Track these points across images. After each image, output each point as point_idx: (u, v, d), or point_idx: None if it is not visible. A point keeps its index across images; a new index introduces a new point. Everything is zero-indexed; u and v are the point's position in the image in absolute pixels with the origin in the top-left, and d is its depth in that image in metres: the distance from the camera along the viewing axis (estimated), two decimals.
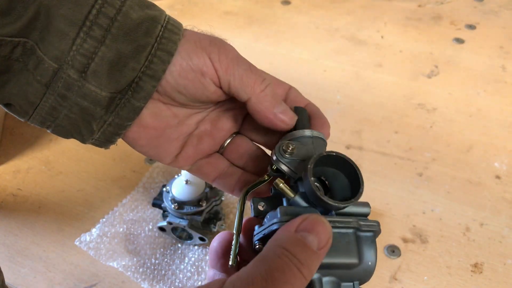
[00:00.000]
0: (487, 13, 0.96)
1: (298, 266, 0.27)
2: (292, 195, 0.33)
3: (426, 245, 0.55)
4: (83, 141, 0.36)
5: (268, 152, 0.39)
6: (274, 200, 0.36)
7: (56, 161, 0.69)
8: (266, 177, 0.37)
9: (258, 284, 0.26)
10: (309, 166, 0.31)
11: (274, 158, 0.34)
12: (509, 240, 0.55)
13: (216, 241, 0.34)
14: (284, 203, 0.34)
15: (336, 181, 0.34)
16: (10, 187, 0.65)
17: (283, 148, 0.34)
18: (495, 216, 0.58)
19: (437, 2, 0.99)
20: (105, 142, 0.36)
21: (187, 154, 0.39)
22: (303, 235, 0.28)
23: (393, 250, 0.55)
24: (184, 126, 0.38)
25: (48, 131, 0.35)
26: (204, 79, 0.34)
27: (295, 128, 0.36)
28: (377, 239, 0.35)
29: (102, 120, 0.34)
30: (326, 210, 0.32)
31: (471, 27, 0.92)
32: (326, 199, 0.30)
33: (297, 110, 0.37)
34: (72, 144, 0.71)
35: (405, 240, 0.56)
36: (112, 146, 0.37)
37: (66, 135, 0.35)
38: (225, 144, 0.40)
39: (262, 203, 0.35)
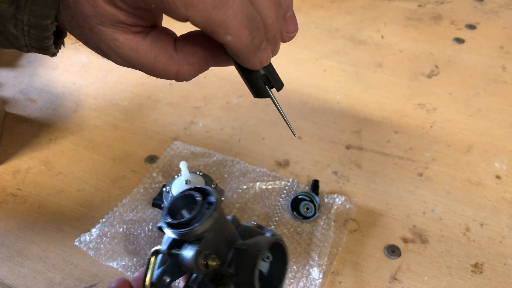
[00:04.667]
0: (487, 13, 0.96)
1: None
2: None
3: (426, 245, 0.55)
4: (20, 48, 0.32)
5: None
6: (177, 269, 0.34)
7: (56, 161, 0.69)
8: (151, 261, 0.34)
9: None
10: (254, 276, 0.31)
11: (193, 277, 0.33)
12: (509, 240, 0.55)
13: None
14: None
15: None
16: (10, 187, 0.65)
17: (203, 264, 0.31)
18: (495, 216, 0.58)
19: (437, 2, 0.99)
20: (42, 49, 0.32)
21: None
22: None
23: (393, 250, 0.55)
24: None
25: None
26: None
27: None
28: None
29: (18, 20, 0.30)
30: None
31: (471, 27, 0.92)
32: None
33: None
34: (72, 144, 0.71)
35: (405, 240, 0.56)
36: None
37: None
38: None
39: (168, 278, 0.34)
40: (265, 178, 0.64)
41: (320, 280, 0.52)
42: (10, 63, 0.90)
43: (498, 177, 0.63)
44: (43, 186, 0.65)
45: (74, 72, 0.87)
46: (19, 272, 0.55)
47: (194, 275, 0.34)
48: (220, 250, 0.33)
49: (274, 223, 0.58)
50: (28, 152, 0.70)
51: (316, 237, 0.56)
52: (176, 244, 0.33)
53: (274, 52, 0.33)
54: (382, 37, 0.90)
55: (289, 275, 0.53)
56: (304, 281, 0.52)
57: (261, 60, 0.31)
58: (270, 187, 0.62)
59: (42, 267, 0.55)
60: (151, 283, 0.33)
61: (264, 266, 0.35)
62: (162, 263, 0.34)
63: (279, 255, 0.35)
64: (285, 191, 0.62)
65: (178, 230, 0.31)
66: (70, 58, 0.90)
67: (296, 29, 0.34)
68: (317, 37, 0.90)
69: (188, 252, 0.31)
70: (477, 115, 0.72)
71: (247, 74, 0.33)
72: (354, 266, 0.53)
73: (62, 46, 0.34)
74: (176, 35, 0.33)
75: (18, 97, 0.81)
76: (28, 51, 0.33)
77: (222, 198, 0.58)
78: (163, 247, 0.33)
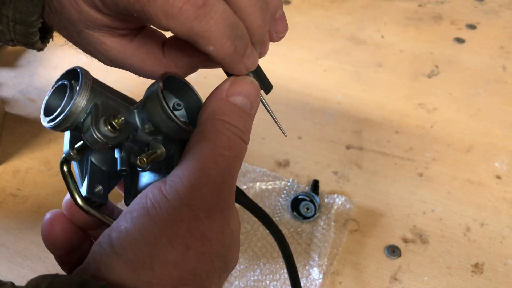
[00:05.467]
0: (488, 13, 0.96)
1: (241, 136, 0.27)
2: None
3: (427, 245, 0.55)
4: (6, 43, 0.32)
5: None
6: (103, 173, 0.31)
7: (56, 161, 0.68)
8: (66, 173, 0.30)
9: (210, 172, 0.25)
10: (167, 111, 0.28)
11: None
12: (510, 240, 0.55)
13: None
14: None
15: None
16: (10, 187, 0.65)
17: (110, 129, 0.27)
18: (495, 216, 0.58)
19: (437, 2, 0.99)
20: (28, 44, 0.32)
21: None
22: (236, 99, 0.28)
23: (393, 251, 0.55)
24: None
25: None
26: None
27: None
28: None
29: (3, 16, 0.30)
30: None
31: (471, 27, 0.92)
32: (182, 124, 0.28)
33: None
34: None
35: (405, 240, 0.56)
36: None
37: None
38: None
39: (100, 186, 0.30)
40: (265, 178, 0.64)
41: (320, 280, 0.52)
42: (10, 63, 0.90)
43: (498, 177, 0.63)
44: (43, 186, 0.65)
45: None
46: (19, 272, 0.55)
47: (119, 160, 0.31)
48: (122, 115, 0.29)
49: None
50: (28, 152, 0.70)
51: (316, 237, 0.56)
52: (74, 138, 0.29)
53: (262, 54, 0.33)
54: (382, 37, 0.90)
55: None
56: (304, 281, 0.52)
57: (247, 66, 0.31)
58: (270, 187, 0.62)
59: (42, 267, 0.55)
60: (84, 198, 0.29)
61: (180, 115, 0.33)
62: (83, 172, 0.31)
63: (186, 95, 0.33)
64: (285, 191, 0.62)
65: (61, 117, 0.27)
66: (70, 58, 0.90)
67: (285, 29, 0.33)
68: (317, 37, 0.90)
69: (87, 129, 0.27)
70: (477, 115, 0.72)
71: None
72: (354, 266, 0.53)
73: (51, 39, 0.34)
74: (165, 37, 0.33)
75: (18, 97, 0.81)
76: (15, 45, 0.33)
77: None
78: (65, 150, 0.29)
